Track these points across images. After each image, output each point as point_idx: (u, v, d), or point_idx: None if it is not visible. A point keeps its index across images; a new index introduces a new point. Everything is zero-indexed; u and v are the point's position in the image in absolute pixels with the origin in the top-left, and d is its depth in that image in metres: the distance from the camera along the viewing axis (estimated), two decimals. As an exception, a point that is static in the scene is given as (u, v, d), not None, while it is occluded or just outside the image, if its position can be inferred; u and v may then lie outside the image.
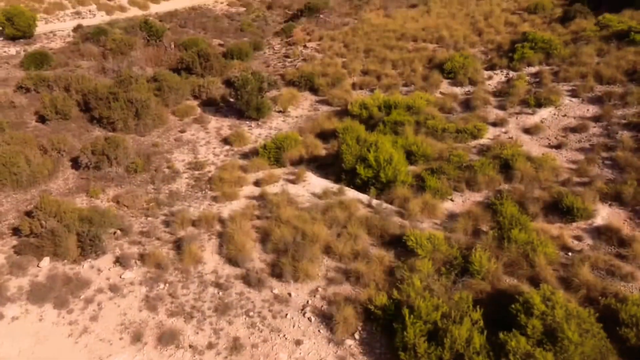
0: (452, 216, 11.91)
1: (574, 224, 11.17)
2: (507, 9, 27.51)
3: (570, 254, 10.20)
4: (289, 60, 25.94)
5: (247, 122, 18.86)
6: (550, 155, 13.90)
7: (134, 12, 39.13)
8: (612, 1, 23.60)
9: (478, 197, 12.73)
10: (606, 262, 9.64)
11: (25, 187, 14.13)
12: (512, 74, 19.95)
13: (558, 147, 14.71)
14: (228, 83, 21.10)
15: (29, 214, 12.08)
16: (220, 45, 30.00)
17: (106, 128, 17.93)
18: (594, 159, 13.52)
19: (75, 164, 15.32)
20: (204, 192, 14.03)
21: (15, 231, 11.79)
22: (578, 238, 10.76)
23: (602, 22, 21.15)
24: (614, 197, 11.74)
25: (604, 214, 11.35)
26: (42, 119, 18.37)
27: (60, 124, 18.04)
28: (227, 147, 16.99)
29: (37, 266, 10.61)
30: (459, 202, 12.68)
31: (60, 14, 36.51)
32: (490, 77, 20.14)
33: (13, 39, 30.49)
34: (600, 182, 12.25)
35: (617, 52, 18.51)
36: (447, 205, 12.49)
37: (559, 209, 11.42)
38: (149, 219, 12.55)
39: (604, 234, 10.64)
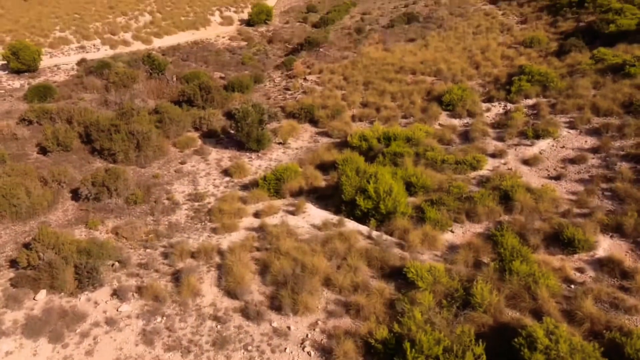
0: (452, 248, 11.84)
1: (576, 256, 11.09)
2: (503, 43, 28.01)
3: (572, 286, 10.09)
4: (289, 92, 26.28)
5: (248, 154, 18.97)
6: (549, 187, 13.91)
7: (138, 46, 39.87)
8: (606, 36, 24.07)
9: (478, 228, 12.68)
10: (609, 295, 9.53)
11: (25, 219, 14.10)
12: (509, 106, 20.17)
13: (557, 178, 14.74)
14: (229, 115, 21.33)
15: (27, 245, 12.02)
16: (221, 78, 30.46)
17: (107, 159, 18.03)
18: (593, 190, 13.52)
19: (75, 195, 15.33)
20: (203, 223, 13.99)
21: (13, 263, 11.70)
22: (580, 270, 10.67)
23: (597, 56, 21.51)
24: (615, 229, 11.69)
25: (606, 246, 11.28)
26: (43, 151, 18.49)
27: (61, 156, 18.15)
28: (227, 178, 17.04)
29: (33, 299, 10.48)
30: (459, 233, 12.62)
31: (65, 48, 37.21)
32: (488, 109, 20.35)
33: (18, 72, 31.00)
34: (600, 214, 12.22)
35: (613, 85, 18.75)
36: (448, 237, 12.42)
37: (560, 241, 11.36)
38: (148, 250, 12.48)
39: (606, 265, 10.55)
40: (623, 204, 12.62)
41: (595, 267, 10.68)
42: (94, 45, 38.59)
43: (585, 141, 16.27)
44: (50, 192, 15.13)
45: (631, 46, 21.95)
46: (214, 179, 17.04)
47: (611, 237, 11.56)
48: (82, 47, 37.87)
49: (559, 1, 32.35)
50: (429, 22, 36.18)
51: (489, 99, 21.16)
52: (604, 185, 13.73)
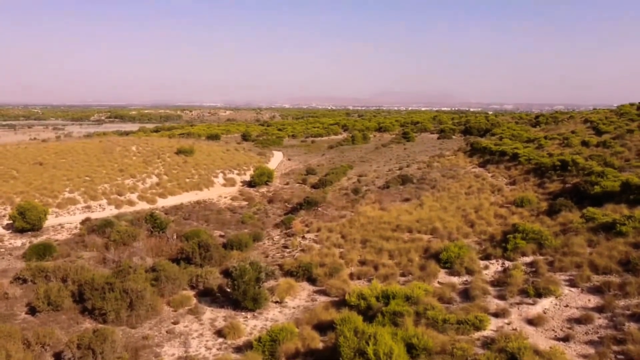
0: (461, 419, 10.81)
1: None
2: (495, 203, 29.10)
3: None
4: (288, 250, 26.46)
5: (243, 313, 18.40)
6: (559, 349, 13.20)
7: (142, 205, 41.32)
8: (592, 196, 25.11)
9: (488, 396, 11.73)
10: None
11: (-1, 386, 13.13)
12: (507, 263, 20.16)
13: (565, 339, 14.08)
14: (226, 273, 21.18)
15: (-5, 417, 10.99)
16: (221, 236, 30.96)
17: (97, 319, 17.42)
18: (605, 353, 12.82)
19: (58, 359, 14.46)
20: (191, 391, 12.99)
21: None
22: None
23: (587, 215, 22.14)
24: (636, 397, 10.83)
25: (629, 417, 10.33)
26: (32, 311, 17.96)
27: (50, 316, 17.58)
28: (221, 339, 16.29)
29: None
30: (467, 402, 11.65)
31: (71, 208, 38.48)
32: (486, 267, 20.29)
33: (22, 231, 31.62)
34: (617, 379, 11.43)
35: (607, 243, 18.97)
36: (456, 407, 11.43)
37: (578, 411, 10.43)
38: (128, 423, 11.37)
39: None
40: (639, 368, 11.88)
41: None
42: (99, 205, 39.99)
43: (589, 300, 15.92)
44: (32, 357, 14.30)
45: (619, 206, 22.76)
46: (207, 341, 16.26)
47: (633, 406, 10.65)
48: (89, 207, 39.20)
49: (543, 165, 34.46)
50: (422, 183, 38.04)
51: (487, 257, 21.22)
52: (615, 348, 13.06)
